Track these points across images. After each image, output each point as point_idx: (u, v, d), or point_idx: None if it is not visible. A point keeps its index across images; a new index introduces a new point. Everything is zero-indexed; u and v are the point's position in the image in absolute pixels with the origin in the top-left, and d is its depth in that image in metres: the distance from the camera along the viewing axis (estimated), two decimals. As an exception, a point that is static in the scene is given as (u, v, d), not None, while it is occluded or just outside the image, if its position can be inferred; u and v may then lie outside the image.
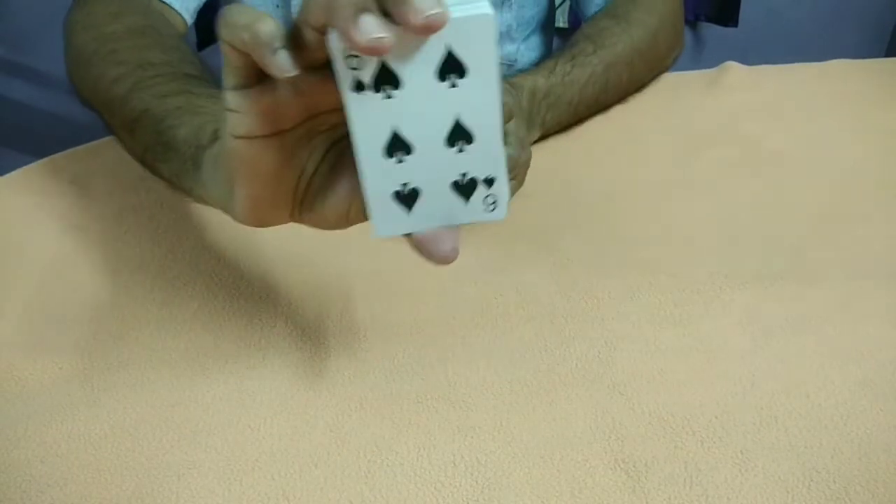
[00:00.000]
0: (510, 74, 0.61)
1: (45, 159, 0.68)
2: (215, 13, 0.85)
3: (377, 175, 0.37)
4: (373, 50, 0.31)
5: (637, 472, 0.43)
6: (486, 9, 0.34)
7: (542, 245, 0.58)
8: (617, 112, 0.74)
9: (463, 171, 0.38)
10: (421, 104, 0.36)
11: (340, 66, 0.34)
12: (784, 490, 0.42)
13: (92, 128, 0.62)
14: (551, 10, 0.87)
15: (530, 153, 0.51)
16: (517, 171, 0.50)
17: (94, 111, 0.60)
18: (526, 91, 0.60)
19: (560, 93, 0.63)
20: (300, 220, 0.41)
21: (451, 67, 0.35)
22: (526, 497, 0.42)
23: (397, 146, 0.36)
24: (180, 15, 0.69)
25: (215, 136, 0.44)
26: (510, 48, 0.85)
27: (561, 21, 1.71)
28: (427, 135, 0.36)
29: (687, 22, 1.98)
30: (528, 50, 0.87)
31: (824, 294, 0.54)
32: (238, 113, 0.35)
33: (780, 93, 0.76)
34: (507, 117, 0.47)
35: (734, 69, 0.78)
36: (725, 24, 1.92)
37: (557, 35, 0.92)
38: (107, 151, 0.68)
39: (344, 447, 0.44)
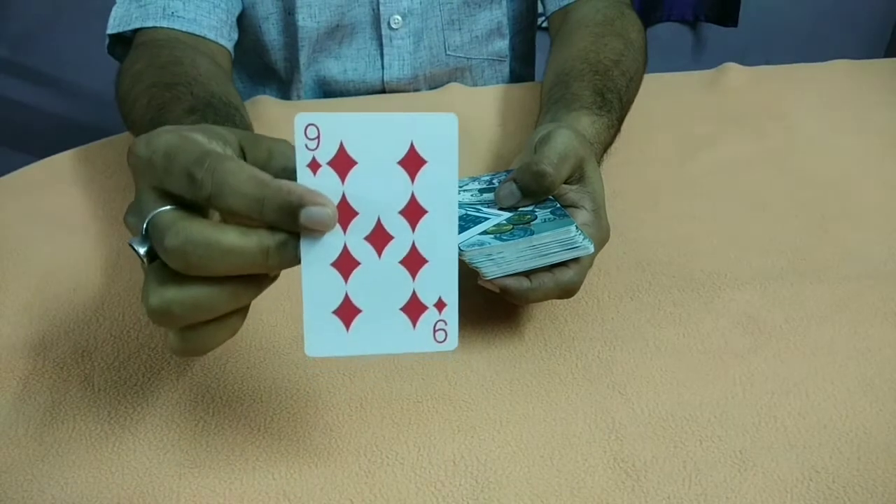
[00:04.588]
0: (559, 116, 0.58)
1: (45, 159, 0.68)
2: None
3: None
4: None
5: (637, 471, 0.43)
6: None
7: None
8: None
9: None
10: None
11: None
12: (783, 490, 0.42)
13: (92, 128, 0.63)
14: (535, 4, 0.87)
15: (608, 226, 0.51)
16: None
17: None
18: (597, 147, 0.58)
19: (606, 138, 0.62)
20: None
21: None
22: (526, 497, 0.42)
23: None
24: (217, 43, 0.69)
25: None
26: (501, 44, 0.85)
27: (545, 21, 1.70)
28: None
29: (687, 22, 1.99)
30: (518, 45, 0.88)
31: (824, 294, 0.54)
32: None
33: (780, 93, 0.76)
34: (600, 200, 0.49)
35: (734, 69, 0.78)
36: (725, 24, 1.92)
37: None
38: (107, 152, 0.68)
39: (344, 447, 0.44)
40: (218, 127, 0.37)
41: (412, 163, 0.34)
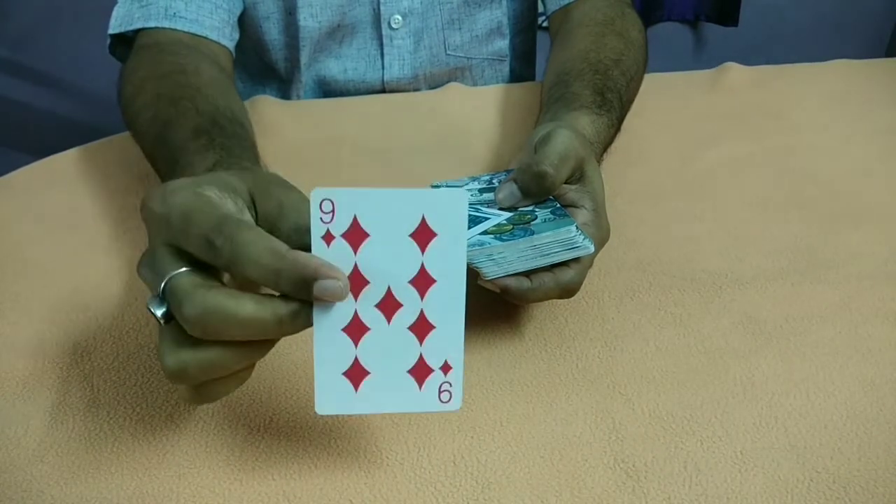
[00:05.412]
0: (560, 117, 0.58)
1: (45, 159, 0.68)
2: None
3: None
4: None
5: (637, 471, 0.43)
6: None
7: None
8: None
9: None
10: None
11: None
12: (784, 490, 0.42)
13: (92, 128, 0.63)
14: (535, 4, 0.87)
15: (608, 225, 0.51)
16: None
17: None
18: (597, 147, 0.57)
19: (606, 137, 0.61)
20: None
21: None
22: (526, 497, 0.42)
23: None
24: (219, 43, 0.69)
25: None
26: (501, 44, 0.85)
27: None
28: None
29: (687, 22, 1.99)
30: (518, 45, 0.88)
31: (825, 294, 0.54)
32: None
33: (780, 93, 0.76)
34: (601, 201, 0.49)
35: (734, 69, 0.78)
36: (725, 24, 1.92)
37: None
38: (106, 152, 0.68)
39: (344, 447, 0.44)
40: (229, 176, 0.39)
41: (423, 235, 0.35)
